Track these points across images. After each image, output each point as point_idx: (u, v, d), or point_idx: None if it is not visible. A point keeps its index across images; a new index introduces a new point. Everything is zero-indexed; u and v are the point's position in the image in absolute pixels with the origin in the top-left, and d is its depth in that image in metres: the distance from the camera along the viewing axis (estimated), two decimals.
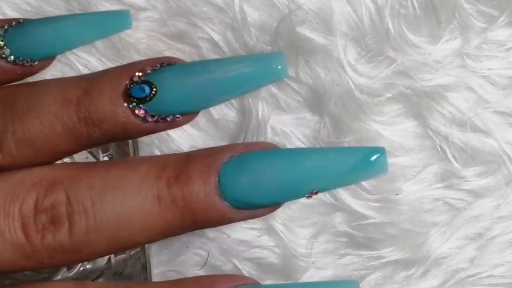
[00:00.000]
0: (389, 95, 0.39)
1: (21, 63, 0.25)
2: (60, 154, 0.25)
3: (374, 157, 0.23)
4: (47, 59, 0.26)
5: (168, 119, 0.24)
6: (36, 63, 0.26)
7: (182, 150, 0.40)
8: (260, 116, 0.39)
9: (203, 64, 0.24)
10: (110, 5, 0.38)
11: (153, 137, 0.39)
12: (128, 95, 0.24)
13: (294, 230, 0.40)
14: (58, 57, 0.27)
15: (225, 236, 0.40)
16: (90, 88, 0.24)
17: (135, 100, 0.24)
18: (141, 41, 0.39)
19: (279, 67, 0.24)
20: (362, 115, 0.39)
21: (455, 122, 0.39)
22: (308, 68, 0.39)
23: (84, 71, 0.39)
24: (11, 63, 0.25)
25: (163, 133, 0.39)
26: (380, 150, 0.24)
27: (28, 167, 0.24)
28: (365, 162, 0.23)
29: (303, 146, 0.40)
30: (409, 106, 0.39)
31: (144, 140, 0.39)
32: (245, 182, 0.24)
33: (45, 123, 0.24)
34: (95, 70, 0.39)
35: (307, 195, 0.24)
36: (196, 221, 0.24)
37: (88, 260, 0.28)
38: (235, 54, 0.39)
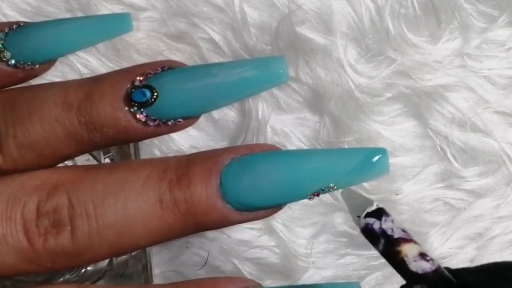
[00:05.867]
0: (389, 95, 0.39)
1: (22, 66, 0.25)
2: (62, 158, 0.25)
3: (376, 158, 0.23)
4: (49, 62, 0.26)
5: (170, 123, 0.24)
6: (37, 66, 0.25)
7: (182, 150, 0.40)
8: (260, 116, 0.39)
9: (204, 68, 0.24)
10: (110, 5, 0.38)
11: None
12: (129, 99, 0.24)
13: (294, 230, 0.40)
14: None
15: (225, 236, 0.40)
16: (91, 92, 0.24)
17: (136, 104, 0.24)
18: (141, 41, 0.39)
19: (281, 71, 0.24)
20: (362, 115, 0.39)
21: (455, 122, 0.39)
22: (308, 68, 0.39)
23: (84, 71, 0.39)
24: (12, 66, 0.25)
25: None
26: (382, 151, 0.24)
27: (30, 170, 0.24)
28: (367, 163, 0.23)
29: (303, 146, 0.40)
30: (409, 106, 0.39)
31: (144, 140, 0.39)
32: (247, 184, 0.24)
33: (46, 127, 0.24)
34: (95, 70, 0.39)
35: (309, 197, 0.24)
36: (198, 223, 0.24)
37: (91, 263, 0.28)
38: (235, 54, 0.39)
